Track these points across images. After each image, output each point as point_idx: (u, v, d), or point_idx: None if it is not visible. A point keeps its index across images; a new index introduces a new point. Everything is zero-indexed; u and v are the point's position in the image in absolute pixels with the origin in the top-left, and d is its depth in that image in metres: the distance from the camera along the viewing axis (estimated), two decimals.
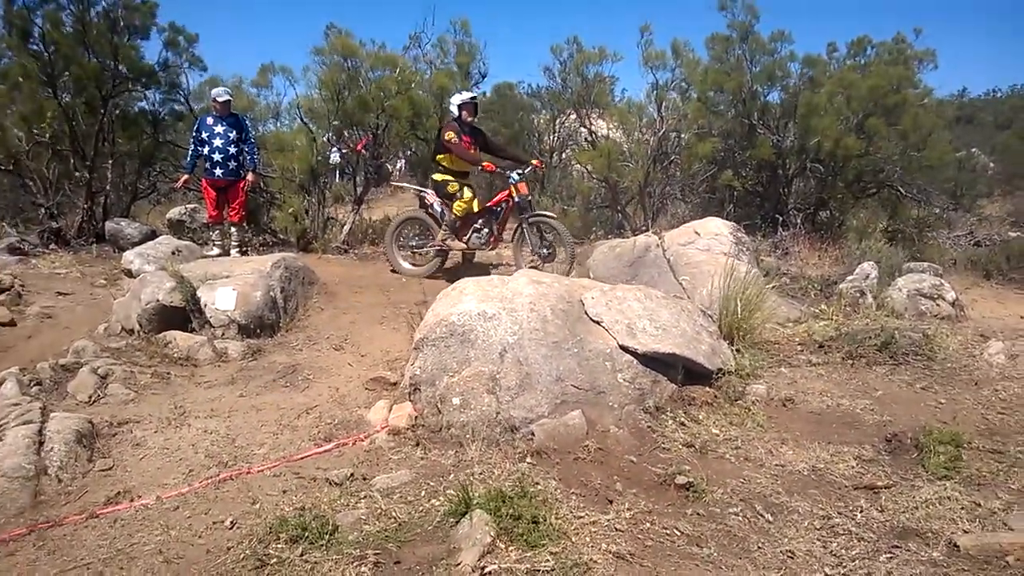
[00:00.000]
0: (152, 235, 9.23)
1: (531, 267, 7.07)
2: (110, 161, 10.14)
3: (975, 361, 5.16)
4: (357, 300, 6.89)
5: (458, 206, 7.55)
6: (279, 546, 2.82)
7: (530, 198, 7.48)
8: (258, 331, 5.82)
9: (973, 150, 18.99)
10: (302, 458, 3.75)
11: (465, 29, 11.18)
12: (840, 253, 9.21)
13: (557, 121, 14.22)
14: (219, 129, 8.19)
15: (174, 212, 10.87)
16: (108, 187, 10.19)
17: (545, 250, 7.40)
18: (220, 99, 8.27)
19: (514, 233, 7.76)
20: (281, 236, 9.79)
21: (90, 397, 4.48)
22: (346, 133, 10.05)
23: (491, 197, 8.04)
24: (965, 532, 2.95)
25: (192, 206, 10.95)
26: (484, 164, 7.36)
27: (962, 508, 3.16)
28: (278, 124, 10.96)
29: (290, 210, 9.34)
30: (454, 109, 7.58)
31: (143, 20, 9.84)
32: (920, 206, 11.77)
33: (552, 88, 12.83)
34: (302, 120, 10.16)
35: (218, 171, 8.22)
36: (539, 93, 14.67)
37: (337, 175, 12.18)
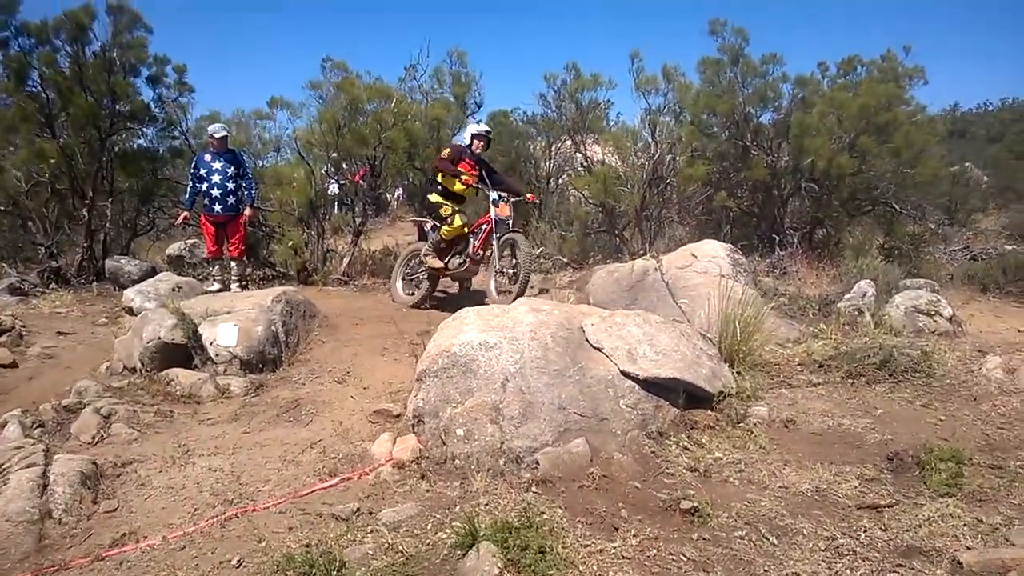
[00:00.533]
0: (152, 272, 9.29)
1: (500, 291, 7.15)
2: (109, 199, 10.25)
3: (973, 377, 5.18)
4: (358, 332, 6.92)
5: (446, 230, 7.55)
6: None
7: (510, 220, 7.26)
8: (260, 366, 5.84)
9: (967, 164, 19.12)
10: (307, 494, 3.75)
11: (461, 60, 11.37)
12: (837, 271, 9.27)
13: (553, 147, 14.36)
14: (217, 165, 8.24)
15: (173, 248, 10.95)
16: (107, 225, 10.28)
17: (511, 269, 7.15)
18: (217, 135, 8.34)
19: (488, 254, 7.58)
20: (281, 269, 9.85)
21: (93, 438, 4.48)
22: (344, 165, 10.16)
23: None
24: (968, 549, 2.95)
25: (191, 241, 11.03)
26: (463, 179, 7.38)
27: (964, 525, 3.17)
28: (278, 158, 11.09)
29: (290, 243, 9.42)
30: (467, 137, 7.65)
31: (136, 56, 9.97)
32: (915, 222, 11.87)
33: (547, 115, 12.99)
34: (299, 153, 10.27)
35: (217, 207, 8.27)
36: (534, 120, 14.82)
37: (336, 206, 12.28)
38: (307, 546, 3.14)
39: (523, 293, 6.64)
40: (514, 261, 7.10)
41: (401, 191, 16.88)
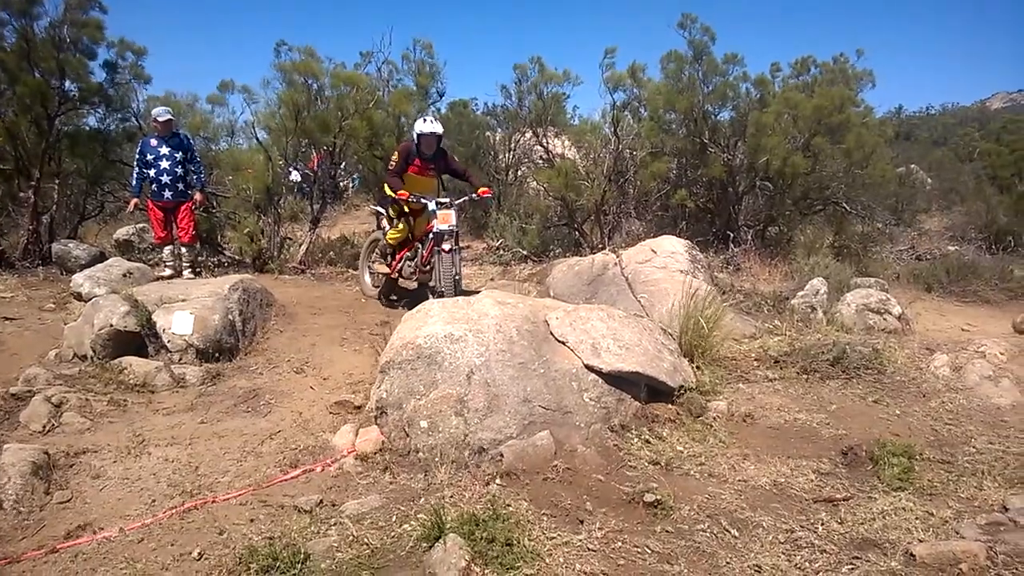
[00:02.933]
0: (101, 257, 8.99)
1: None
2: (56, 180, 9.85)
3: (922, 374, 5.37)
4: (316, 322, 6.82)
5: (391, 235, 7.20)
6: None
7: (455, 229, 6.62)
8: (217, 355, 5.71)
9: (912, 166, 19.73)
10: (268, 485, 3.70)
11: (428, 51, 11.24)
12: (790, 269, 9.48)
13: (512, 139, 14.34)
14: (164, 150, 7.93)
15: (121, 232, 10.62)
16: (54, 207, 9.88)
17: (443, 291, 6.40)
18: (161, 119, 7.98)
19: (427, 260, 6.90)
20: (235, 257, 9.63)
21: (44, 427, 4.34)
22: (307, 151, 9.97)
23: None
24: (920, 541, 3.08)
25: (141, 226, 10.71)
26: (398, 192, 6.67)
27: (916, 518, 3.30)
28: (232, 142, 10.79)
29: (245, 230, 9.20)
30: (414, 135, 6.91)
31: (91, 36, 9.58)
32: (864, 222, 12.21)
33: (508, 107, 12.95)
34: (257, 140, 10.03)
35: (167, 193, 7.98)
36: (495, 111, 14.79)
37: (298, 193, 12.06)
38: (270, 538, 3.11)
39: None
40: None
41: (356, 178, 16.69)
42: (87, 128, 10.42)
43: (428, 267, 6.90)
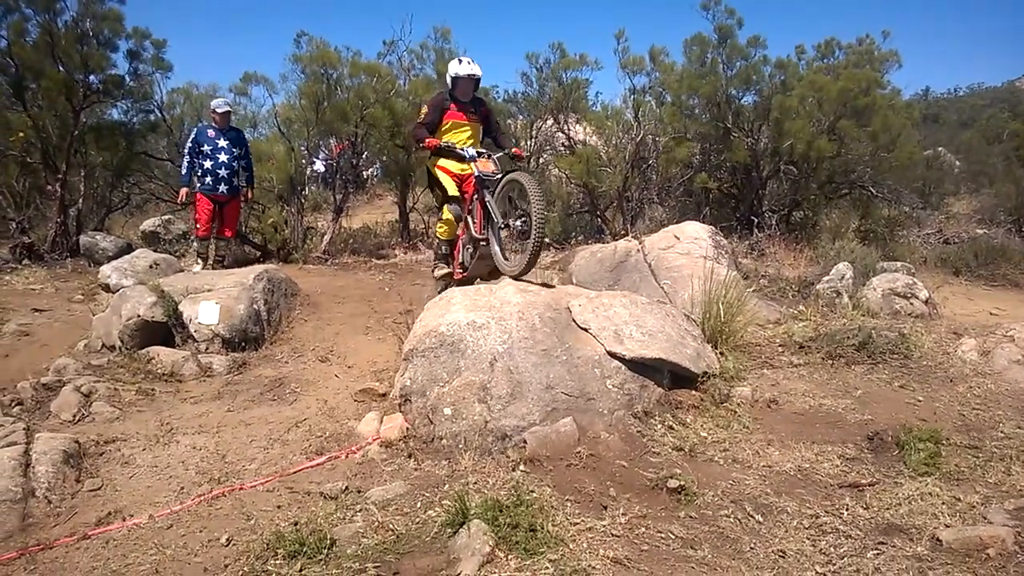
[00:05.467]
0: (128, 248, 9.12)
1: (506, 254, 5.40)
2: (82, 173, 10.02)
3: (949, 358, 5.29)
4: (340, 311, 6.88)
5: (439, 228, 5.95)
6: (277, 562, 2.83)
7: (497, 175, 5.43)
8: (243, 345, 5.79)
9: (940, 149, 19.40)
10: (294, 472, 3.75)
11: (446, 37, 11.21)
12: (815, 253, 9.38)
13: (534, 126, 14.28)
14: (223, 143, 7.76)
15: (148, 224, 10.76)
16: (81, 200, 10.06)
17: (518, 221, 5.09)
18: (220, 110, 7.85)
19: (482, 217, 5.54)
20: (260, 248, 9.72)
21: (74, 416, 4.42)
22: (332, 141, 10.02)
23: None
24: (947, 527, 3.04)
25: (166, 217, 10.84)
26: (426, 141, 5.59)
27: (943, 503, 3.26)
28: (255, 134, 10.88)
29: (270, 220, 9.29)
30: (448, 80, 5.87)
31: (111, 29, 9.68)
32: (891, 205, 12.06)
33: (529, 94, 12.89)
34: (280, 129, 10.10)
35: (223, 187, 7.83)
36: (516, 98, 14.71)
37: (322, 184, 12.11)
38: (296, 524, 3.14)
39: (537, 253, 4.99)
40: (519, 213, 5.16)
41: (378, 167, 16.72)
42: (111, 120, 10.55)
43: (485, 237, 5.50)
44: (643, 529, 3.05)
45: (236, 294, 6.03)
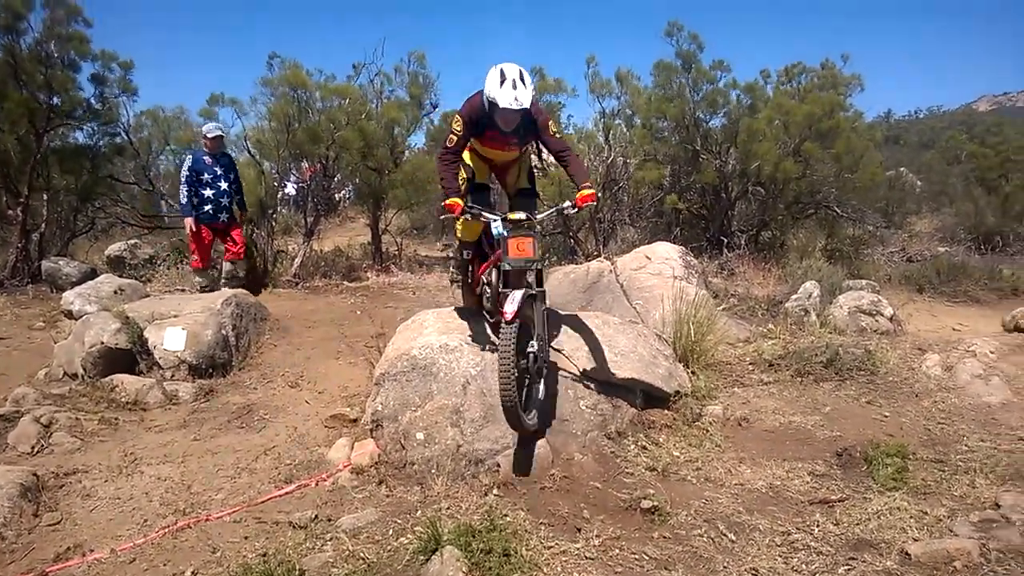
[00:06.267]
0: (92, 274, 8.91)
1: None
2: (45, 197, 9.81)
3: (914, 374, 5.39)
4: (311, 335, 6.79)
5: (459, 227, 4.57)
6: None
7: (536, 264, 4.04)
8: (210, 371, 5.68)
9: (902, 169, 19.85)
10: (263, 502, 3.67)
11: (420, 62, 11.23)
12: (783, 272, 9.52)
13: None
14: (219, 171, 7.51)
15: (113, 248, 10.53)
16: (43, 224, 9.84)
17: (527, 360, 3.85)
18: (211, 135, 7.54)
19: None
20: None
21: (33, 447, 4.30)
22: (304, 163, 9.96)
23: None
24: (915, 540, 3.08)
25: (132, 242, 10.63)
26: (447, 203, 4.05)
27: (911, 517, 3.30)
28: None
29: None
30: (484, 102, 4.06)
31: (76, 50, 9.54)
32: (855, 225, 12.32)
33: None
34: (249, 152, 10.01)
35: (223, 216, 7.59)
36: None
37: (292, 206, 12.00)
38: (264, 555, 3.07)
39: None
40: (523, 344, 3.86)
41: (350, 189, 16.65)
42: (76, 143, 10.38)
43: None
44: (617, 551, 3.04)
45: (204, 319, 5.93)
